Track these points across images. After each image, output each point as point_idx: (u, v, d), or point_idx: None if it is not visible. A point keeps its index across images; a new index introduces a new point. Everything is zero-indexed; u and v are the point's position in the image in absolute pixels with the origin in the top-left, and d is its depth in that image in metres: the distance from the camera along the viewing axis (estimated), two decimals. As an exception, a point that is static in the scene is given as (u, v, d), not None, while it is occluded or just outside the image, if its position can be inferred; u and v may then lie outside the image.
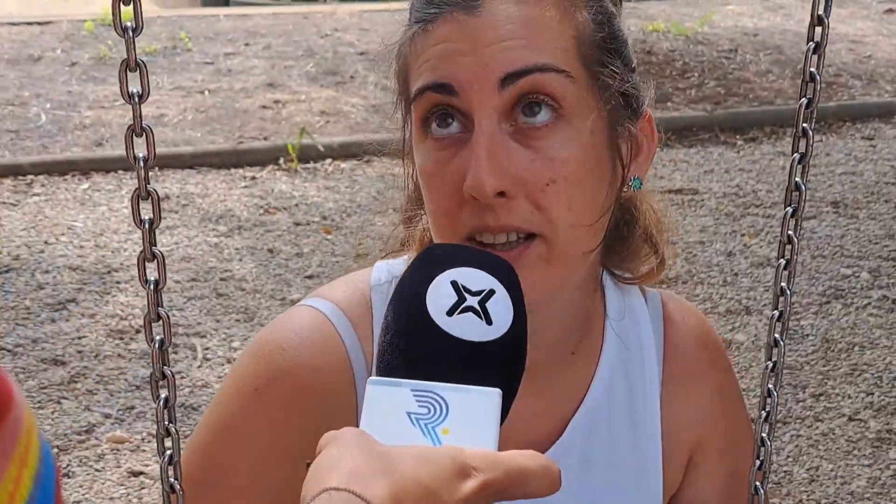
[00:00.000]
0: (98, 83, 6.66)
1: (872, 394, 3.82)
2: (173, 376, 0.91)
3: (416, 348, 0.78)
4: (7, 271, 4.36)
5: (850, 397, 3.80)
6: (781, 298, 0.95)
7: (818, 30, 0.87)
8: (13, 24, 8.07)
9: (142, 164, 0.84)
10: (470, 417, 0.73)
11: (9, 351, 3.87)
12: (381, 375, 0.77)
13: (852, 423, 3.67)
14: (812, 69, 0.89)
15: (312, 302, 1.12)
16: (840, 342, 4.08)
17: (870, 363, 4.04)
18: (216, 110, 6.22)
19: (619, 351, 1.17)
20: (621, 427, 1.17)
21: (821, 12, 0.86)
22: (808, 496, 3.35)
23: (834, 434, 3.62)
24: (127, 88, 0.83)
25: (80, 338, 3.85)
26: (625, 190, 1.04)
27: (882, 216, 5.28)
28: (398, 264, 1.13)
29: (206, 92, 6.57)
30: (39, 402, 3.45)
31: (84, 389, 3.56)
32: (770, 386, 0.99)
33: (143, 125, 0.84)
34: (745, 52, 7.76)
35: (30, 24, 8.11)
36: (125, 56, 0.83)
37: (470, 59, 0.94)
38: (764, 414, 0.98)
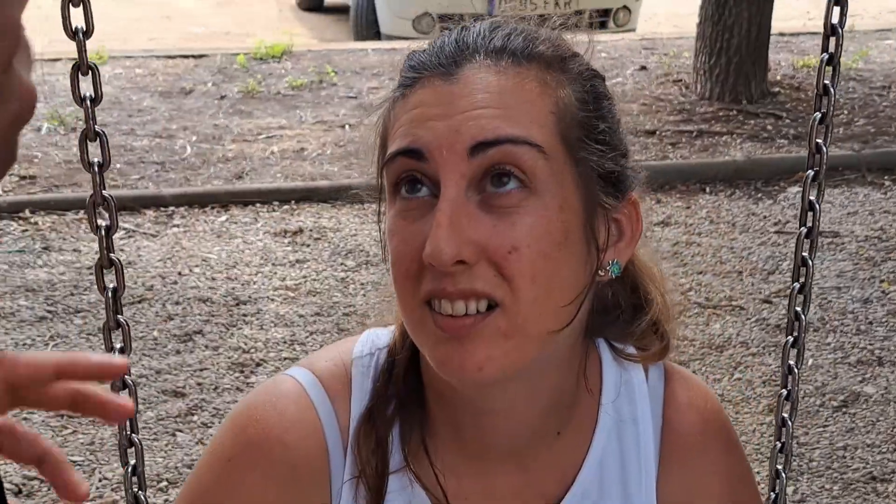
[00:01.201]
0: (244, 116, 6.88)
1: None
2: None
3: None
4: (140, 301, 4.48)
5: None
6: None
7: (832, 40, 0.81)
8: (170, 56, 8.39)
9: (97, 168, 0.86)
10: None
11: (132, 382, 3.86)
12: None
13: None
14: (826, 81, 0.88)
15: (295, 372, 1.13)
16: None
17: None
18: (354, 145, 6.32)
19: (613, 431, 1.15)
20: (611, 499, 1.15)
21: (834, 21, 0.83)
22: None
23: None
24: (79, 92, 0.84)
25: (201, 370, 3.93)
26: (601, 274, 1.02)
27: None
28: (384, 335, 1.13)
29: (347, 126, 6.67)
30: (155, 433, 3.51)
31: (199, 422, 3.62)
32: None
33: (97, 129, 0.86)
34: (900, 90, 7.48)
35: (185, 57, 8.43)
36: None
37: (442, 124, 0.94)
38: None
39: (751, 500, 1.23)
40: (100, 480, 3.35)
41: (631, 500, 1.16)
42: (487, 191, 0.95)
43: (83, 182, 5.78)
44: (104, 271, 0.92)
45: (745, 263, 5.13)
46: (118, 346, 0.92)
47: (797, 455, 3.95)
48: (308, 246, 5.01)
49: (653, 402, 1.19)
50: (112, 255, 0.90)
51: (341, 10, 11.25)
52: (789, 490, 3.49)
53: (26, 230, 5.22)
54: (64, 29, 0.87)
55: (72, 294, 4.57)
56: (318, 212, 5.42)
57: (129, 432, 0.93)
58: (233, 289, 4.70)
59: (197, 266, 4.92)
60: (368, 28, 9.43)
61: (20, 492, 3.24)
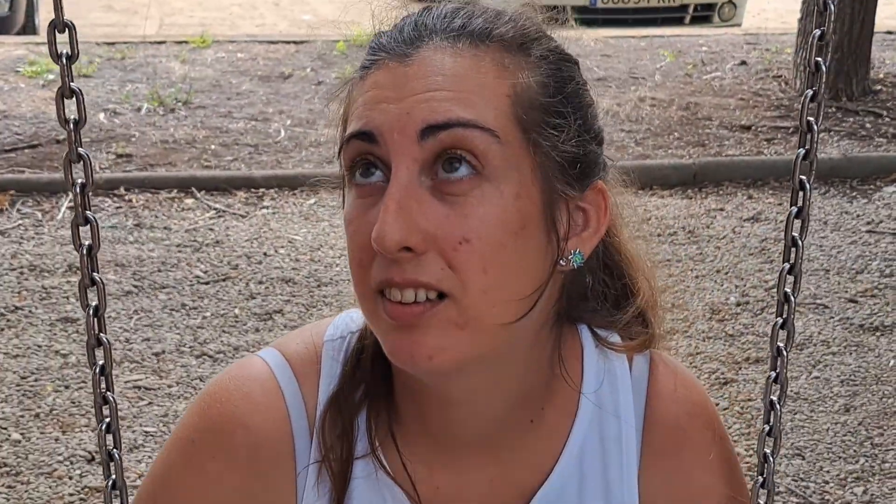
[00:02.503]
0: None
1: None
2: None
3: None
4: (224, 280, 4.73)
5: None
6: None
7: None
8: (271, 42, 8.86)
9: (78, 189, 0.92)
10: None
11: (210, 357, 4.21)
12: None
13: None
14: (818, 59, 0.93)
15: (265, 353, 1.14)
16: None
17: None
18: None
19: (594, 423, 1.15)
20: (594, 502, 1.15)
21: None
22: None
23: None
24: (63, 115, 0.90)
25: (279, 348, 4.16)
26: (562, 264, 1.01)
27: None
28: (359, 318, 1.12)
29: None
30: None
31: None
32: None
33: (80, 151, 0.92)
34: None
35: (287, 42, 8.83)
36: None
37: (394, 107, 0.95)
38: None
39: (738, 493, 1.22)
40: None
41: (612, 494, 1.16)
42: (440, 176, 0.95)
43: (178, 161, 6.18)
44: (80, 229, 0.98)
45: (833, 262, 5.21)
46: (94, 303, 0.98)
47: (869, 456, 3.96)
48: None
49: (636, 394, 1.18)
50: (88, 212, 0.96)
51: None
52: (858, 490, 3.71)
53: (120, 207, 5.53)
54: (50, 54, 0.94)
55: (159, 270, 4.83)
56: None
57: (104, 390, 1.01)
58: (315, 270, 4.89)
59: (282, 247, 5.14)
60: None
61: (93, 459, 3.46)
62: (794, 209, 0.99)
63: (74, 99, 0.97)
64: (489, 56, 0.99)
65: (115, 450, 0.99)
